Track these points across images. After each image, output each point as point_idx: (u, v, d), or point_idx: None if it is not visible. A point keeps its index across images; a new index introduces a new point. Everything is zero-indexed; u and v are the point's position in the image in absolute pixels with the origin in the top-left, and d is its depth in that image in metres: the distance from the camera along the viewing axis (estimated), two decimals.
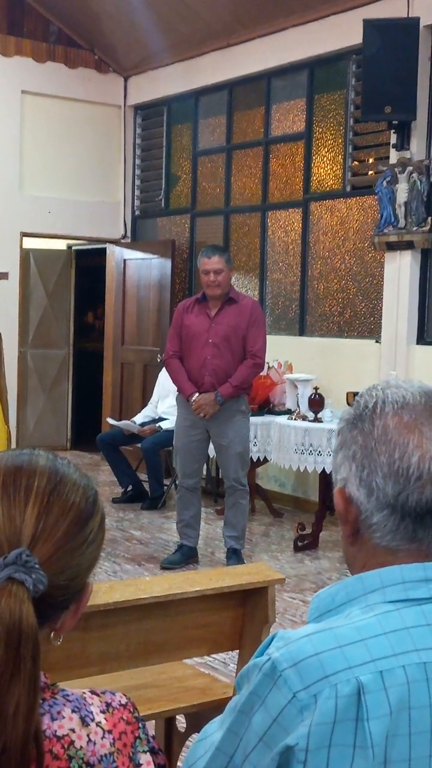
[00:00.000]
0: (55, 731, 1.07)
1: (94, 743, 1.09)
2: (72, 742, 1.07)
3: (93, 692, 1.15)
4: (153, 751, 1.16)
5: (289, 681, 1.02)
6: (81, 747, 1.08)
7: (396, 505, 1.09)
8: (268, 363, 6.92)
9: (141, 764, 1.13)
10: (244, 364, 5.42)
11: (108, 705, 1.13)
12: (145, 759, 1.14)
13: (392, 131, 6.41)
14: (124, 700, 1.15)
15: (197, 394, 5.39)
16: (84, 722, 1.10)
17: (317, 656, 1.03)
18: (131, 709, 1.15)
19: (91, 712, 1.11)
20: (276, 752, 1.01)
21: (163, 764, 1.19)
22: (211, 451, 5.80)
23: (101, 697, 1.15)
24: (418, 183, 6.25)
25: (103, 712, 1.12)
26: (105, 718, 1.12)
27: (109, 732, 1.11)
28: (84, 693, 1.14)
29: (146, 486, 7.34)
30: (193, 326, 5.47)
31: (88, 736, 1.09)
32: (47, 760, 1.05)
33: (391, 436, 1.10)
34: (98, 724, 1.11)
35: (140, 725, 1.15)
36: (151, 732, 1.18)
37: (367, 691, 1.01)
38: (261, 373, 6.83)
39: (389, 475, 1.09)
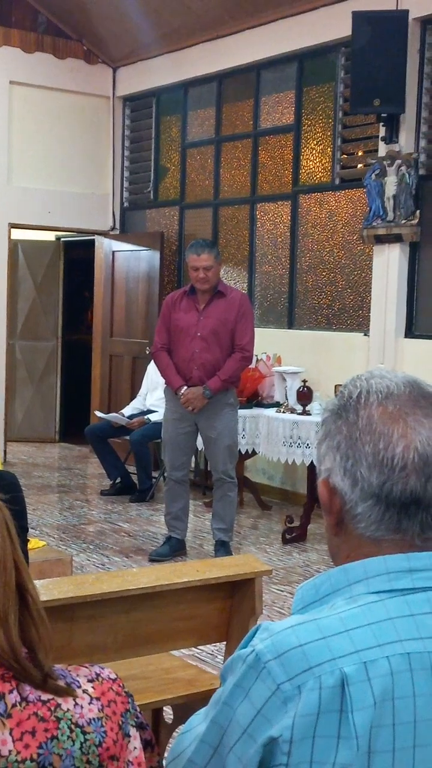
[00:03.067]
0: (39, 696, 1.09)
1: (81, 707, 1.11)
2: (58, 705, 1.10)
3: (81, 665, 1.18)
4: (141, 726, 1.19)
5: (273, 672, 1.02)
6: (68, 709, 1.10)
7: (381, 495, 1.09)
8: (256, 356, 6.92)
9: (130, 736, 1.16)
10: (232, 357, 5.42)
11: (97, 675, 1.16)
12: (134, 733, 1.17)
13: (381, 124, 6.41)
14: (113, 676, 1.18)
15: (185, 388, 5.39)
16: (69, 688, 1.12)
17: (301, 648, 1.03)
18: (121, 684, 1.18)
19: (77, 680, 1.14)
20: (260, 744, 1.01)
21: (149, 739, 1.21)
22: (200, 443, 5.80)
23: (89, 668, 1.17)
24: (407, 176, 6.26)
25: (90, 681, 1.15)
26: (93, 687, 1.14)
27: (97, 699, 1.13)
28: (69, 666, 1.17)
29: (135, 478, 7.34)
30: (181, 320, 5.46)
31: (74, 700, 1.11)
32: (33, 722, 1.07)
33: (376, 426, 1.10)
34: (85, 691, 1.13)
35: (130, 700, 1.18)
36: (139, 709, 1.20)
37: (351, 682, 1.01)
38: (249, 366, 6.84)
39: (374, 465, 1.09)
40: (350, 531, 1.13)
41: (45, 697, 1.10)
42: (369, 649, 1.03)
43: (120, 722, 1.15)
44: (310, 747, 1.00)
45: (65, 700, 1.11)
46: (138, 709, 1.19)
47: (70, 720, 1.10)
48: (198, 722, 1.12)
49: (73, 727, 1.10)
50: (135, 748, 1.17)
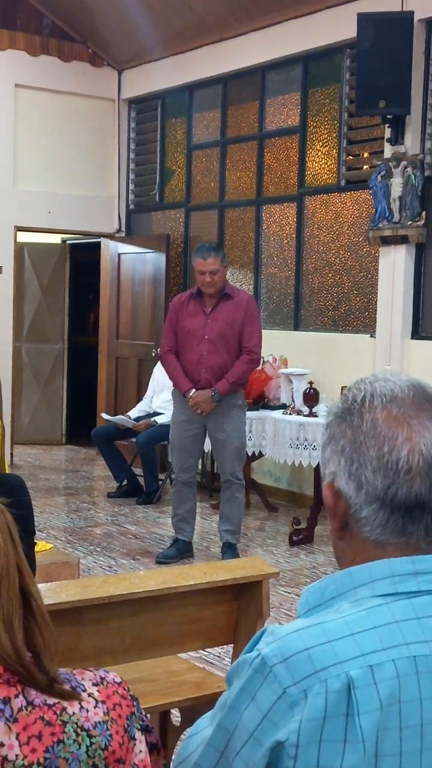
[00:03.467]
0: (45, 700, 1.09)
1: (87, 710, 1.12)
2: (64, 709, 1.10)
3: (86, 669, 1.18)
4: (146, 729, 1.19)
5: (279, 676, 1.02)
6: (74, 713, 1.10)
7: (385, 499, 1.09)
8: (263, 357, 6.91)
9: (135, 739, 1.16)
10: (239, 360, 5.42)
11: (102, 679, 1.16)
12: (139, 736, 1.17)
13: (386, 125, 6.41)
14: (118, 679, 1.18)
15: (194, 391, 5.39)
16: (75, 692, 1.13)
17: (307, 651, 1.03)
18: (126, 688, 1.18)
19: (82, 684, 1.14)
20: (266, 748, 1.01)
21: (154, 742, 1.21)
22: (207, 445, 5.80)
23: (94, 672, 1.17)
24: (413, 177, 6.25)
25: (95, 684, 1.15)
26: (98, 690, 1.14)
27: (103, 702, 1.14)
28: (74, 670, 1.17)
29: (141, 481, 7.34)
30: (189, 323, 5.46)
31: (79, 703, 1.11)
32: (39, 726, 1.07)
33: (381, 430, 1.10)
34: (90, 695, 1.13)
35: (135, 703, 1.18)
36: (144, 712, 1.21)
37: (357, 685, 1.01)
38: (257, 368, 6.83)
39: (378, 468, 1.09)
40: (355, 534, 1.12)
41: (51, 701, 1.10)
42: (375, 652, 1.03)
43: (125, 725, 1.15)
44: (316, 751, 1.00)
45: (71, 703, 1.11)
46: (143, 713, 1.20)
47: (76, 724, 1.10)
48: (204, 726, 1.12)
49: (79, 730, 1.10)
50: (141, 751, 1.17)
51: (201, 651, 3.93)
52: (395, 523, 1.09)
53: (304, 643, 1.04)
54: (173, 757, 1.20)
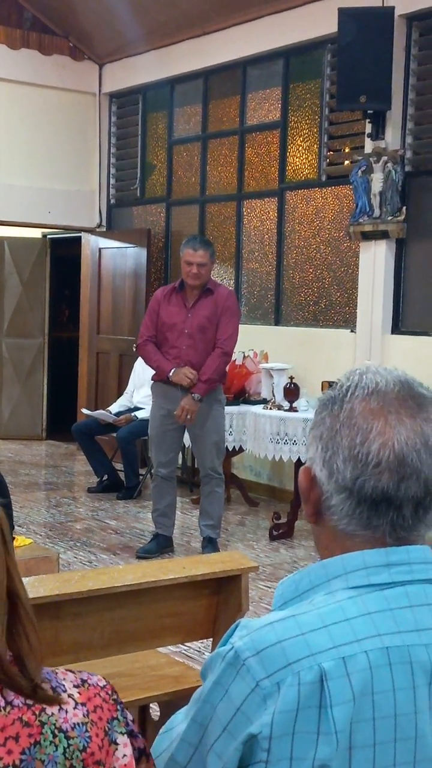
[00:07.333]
0: (24, 700, 1.08)
1: (66, 711, 1.10)
2: (43, 709, 1.09)
3: (68, 670, 1.17)
4: (132, 734, 1.18)
5: (252, 670, 1.02)
6: (53, 713, 1.09)
7: (353, 490, 1.09)
8: (243, 352, 6.92)
9: (118, 744, 1.14)
10: (211, 355, 5.40)
11: (83, 681, 1.15)
12: (123, 740, 1.15)
13: (367, 121, 6.41)
14: (102, 683, 1.17)
15: (174, 369, 5.36)
16: (55, 692, 1.11)
17: (280, 644, 1.03)
18: (110, 692, 1.17)
19: (63, 685, 1.13)
20: (240, 741, 1.02)
21: (142, 747, 1.20)
22: (186, 440, 5.79)
23: (76, 674, 1.16)
24: (393, 173, 6.27)
25: (76, 686, 1.14)
26: (78, 692, 1.13)
27: (83, 704, 1.12)
28: (57, 669, 1.15)
29: (122, 476, 7.33)
30: (169, 316, 5.45)
31: (59, 704, 1.10)
32: (17, 727, 1.06)
33: (356, 421, 1.10)
34: (70, 696, 1.12)
35: (119, 707, 1.17)
36: (131, 717, 1.20)
37: (330, 677, 1.01)
38: (237, 363, 6.84)
39: (349, 459, 1.09)
40: (327, 522, 1.14)
41: (30, 701, 1.08)
42: (347, 644, 1.03)
43: (106, 728, 1.13)
44: (289, 743, 1.00)
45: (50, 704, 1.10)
46: (129, 718, 1.18)
47: (54, 725, 1.08)
48: (179, 721, 1.12)
49: (56, 732, 1.08)
50: (124, 755, 1.15)
51: (180, 645, 3.93)
52: (361, 515, 1.10)
53: (277, 635, 1.04)
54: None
